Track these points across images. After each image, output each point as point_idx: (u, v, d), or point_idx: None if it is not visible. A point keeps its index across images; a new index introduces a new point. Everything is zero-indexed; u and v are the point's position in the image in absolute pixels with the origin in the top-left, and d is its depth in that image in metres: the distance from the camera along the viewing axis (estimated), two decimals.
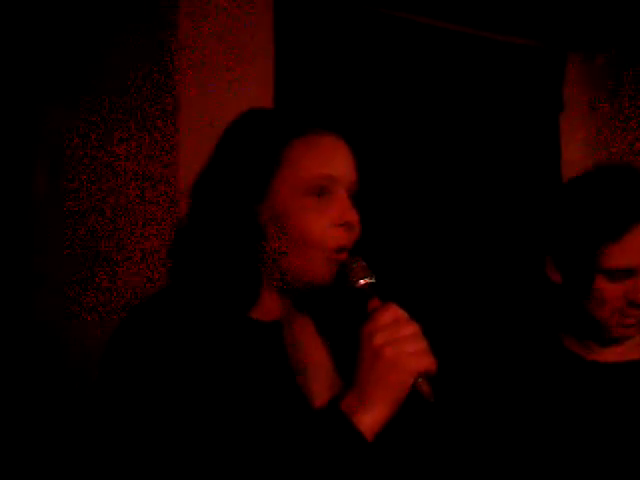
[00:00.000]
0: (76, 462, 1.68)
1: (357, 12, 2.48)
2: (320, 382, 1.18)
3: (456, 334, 2.09)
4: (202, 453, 1.00)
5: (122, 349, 1.05)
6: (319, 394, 1.16)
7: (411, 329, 1.06)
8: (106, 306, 1.96)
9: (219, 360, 1.06)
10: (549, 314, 1.52)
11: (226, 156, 1.15)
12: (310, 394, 1.16)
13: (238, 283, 1.11)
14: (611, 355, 1.44)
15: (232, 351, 1.09)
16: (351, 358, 1.08)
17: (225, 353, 1.08)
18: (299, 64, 2.34)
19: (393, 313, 1.07)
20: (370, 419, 1.03)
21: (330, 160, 1.14)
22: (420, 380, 1.05)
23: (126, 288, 1.96)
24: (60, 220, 2.00)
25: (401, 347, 1.04)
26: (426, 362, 1.05)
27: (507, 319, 1.63)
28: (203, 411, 1.02)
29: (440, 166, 2.68)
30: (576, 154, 3.06)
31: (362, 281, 1.12)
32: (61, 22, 1.98)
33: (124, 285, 1.97)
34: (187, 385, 1.02)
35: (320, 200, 1.12)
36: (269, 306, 1.16)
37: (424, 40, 2.63)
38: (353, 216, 1.14)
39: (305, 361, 1.19)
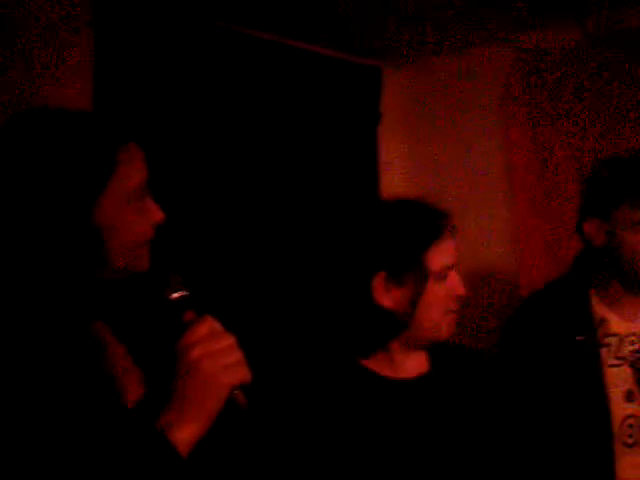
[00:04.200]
0: None
1: (175, 18, 2.47)
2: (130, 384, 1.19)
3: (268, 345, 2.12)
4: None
5: None
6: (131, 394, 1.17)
7: (226, 341, 1.09)
8: None
9: (34, 360, 1.05)
10: (348, 337, 1.63)
11: (41, 164, 1.09)
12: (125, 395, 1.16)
13: (80, 290, 1.13)
14: (405, 372, 1.60)
15: (50, 353, 1.07)
16: (158, 368, 1.11)
17: (43, 354, 1.06)
18: (120, 65, 2.34)
19: (208, 326, 1.09)
20: (187, 434, 1.05)
21: (141, 168, 1.18)
22: (236, 391, 1.07)
23: None
24: None
25: (217, 360, 1.06)
26: (241, 374, 1.08)
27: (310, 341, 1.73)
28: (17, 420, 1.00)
29: (257, 179, 2.69)
30: (394, 165, 3.19)
31: (175, 294, 1.14)
32: None
33: None
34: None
35: (140, 205, 1.17)
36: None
37: (245, 50, 2.65)
38: (163, 216, 1.20)
39: (115, 364, 1.19)
